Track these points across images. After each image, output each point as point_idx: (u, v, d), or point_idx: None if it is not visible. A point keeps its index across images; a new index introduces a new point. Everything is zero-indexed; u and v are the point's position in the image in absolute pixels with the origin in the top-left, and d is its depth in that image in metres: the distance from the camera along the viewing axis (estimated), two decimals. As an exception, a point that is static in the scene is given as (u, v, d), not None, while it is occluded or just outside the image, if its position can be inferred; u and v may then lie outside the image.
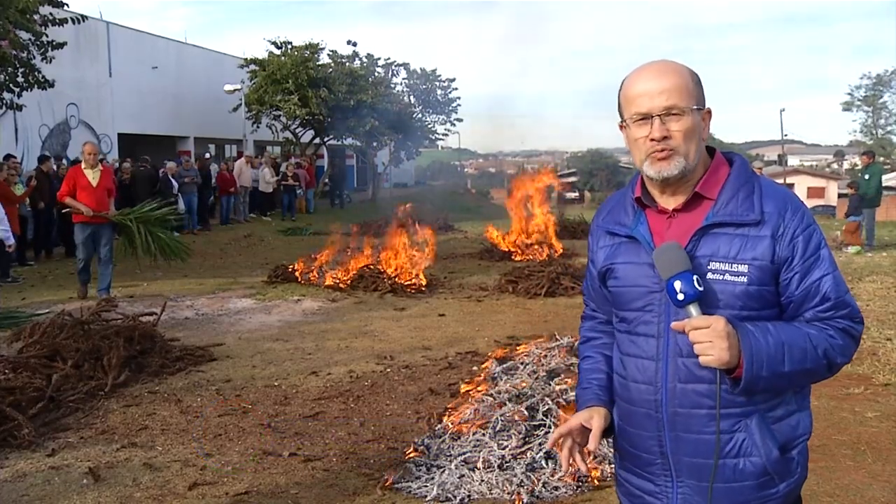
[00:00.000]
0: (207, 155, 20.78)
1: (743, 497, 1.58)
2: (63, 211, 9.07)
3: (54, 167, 13.82)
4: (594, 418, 1.70)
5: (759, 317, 1.56)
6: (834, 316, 1.57)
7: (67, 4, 12.90)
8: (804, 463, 1.63)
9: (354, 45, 26.35)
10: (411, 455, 4.05)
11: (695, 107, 1.59)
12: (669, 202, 1.65)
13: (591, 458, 1.76)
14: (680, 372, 1.59)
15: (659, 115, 1.57)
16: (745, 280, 1.55)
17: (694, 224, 1.60)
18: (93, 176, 8.83)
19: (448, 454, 3.97)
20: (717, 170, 1.64)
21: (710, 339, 1.49)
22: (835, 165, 62.46)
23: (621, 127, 1.68)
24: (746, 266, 1.55)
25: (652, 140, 1.58)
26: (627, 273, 1.67)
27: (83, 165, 8.92)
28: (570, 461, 1.71)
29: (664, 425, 1.62)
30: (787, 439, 1.60)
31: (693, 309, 1.52)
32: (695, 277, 1.52)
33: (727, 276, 1.55)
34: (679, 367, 1.59)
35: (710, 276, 1.56)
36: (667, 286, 1.54)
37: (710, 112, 1.65)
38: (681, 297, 1.51)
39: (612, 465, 3.73)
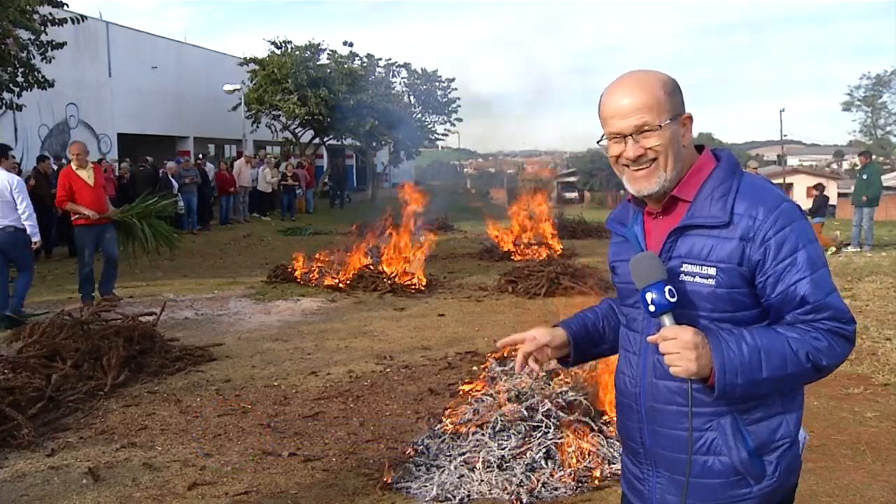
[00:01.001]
0: (201, 155, 20.73)
1: (713, 494, 1.60)
2: (73, 219, 8.66)
3: (53, 167, 13.81)
4: (542, 332, 1.82)
5: (733, 319, 1.56)
6: (816, 318, 1.53)
7: (67, 4, 12.90)
8: (788, 467, 1.61)
9: (351, 45, 26.36)
10: (411, 455, 4.05)
11: (668, 120, 1.58)
12: (654, 204, 1.69)
13: (540, 366, 1.87)
14: (656, 368, 1.63)
15: (631, 135, 1.59)
16: (713, 283, 1.55)
17: (671, 226, 1.63)
18: (87, 175, 8.50)
19: (448, 454, 3.97)
20: (699, 170, 1.65)
21: (678, 351, 1.50)
22: (834, 165, 62.47)
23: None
24: (714, 268, 1.55)
25: (627, 159, 1.61)
26: (624, 270, 1.71)
27: (74, 166, 8.52)
28: (524, 364, 1.83)
29: (643, 418, 1.67)
30: (764, 442, 1.58)
31: (666, 319, 1.53)
32: (667, 288, 1.53)
33: (697, 279, 1.57)
34: (655, 364, 1.62)
35: (682, 277, 1.58)
36: (640, 297, 1.56)
37: (690, 117, 1.64)
38: (652, 308, 1.53)
39: (612, 465, 3.75)
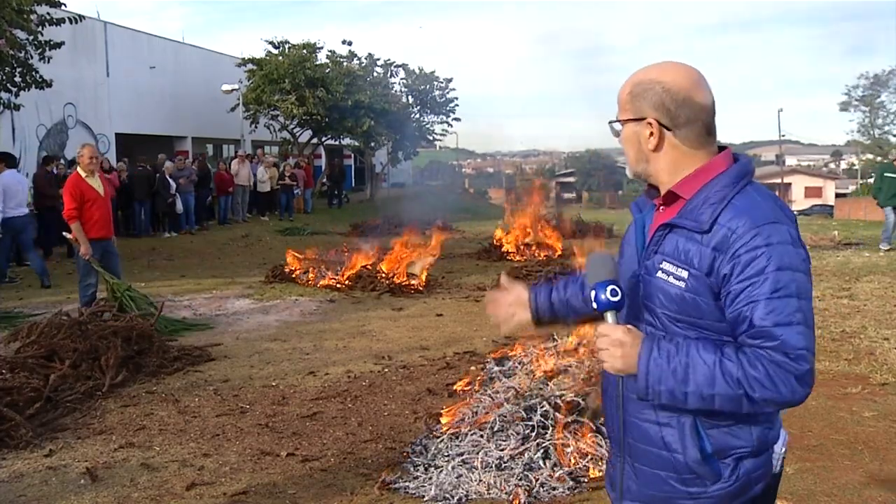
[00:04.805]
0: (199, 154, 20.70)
1: (669, 488, 1.63)
2: (68, 236, 7.34)
3: (53, 170, 13.77)
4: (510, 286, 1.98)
5: (696, 325, 1.56)
6: (761, 345, 1.47)
7: (65, 4, 12.89)
8: (748, 474, 1.59)
9: (350, 44, 26.35)
10: (409, 455, 4.05)
11: (629, 119, 1.68)
12: (656, 195, 1.75)
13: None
14: None
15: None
16: (683, 286, 1.56)
17: (667, 219, 1.67)
18: (97, 185, 7.29)
19: (446, 454, 3.97)
20: (705, 171, 1.61)
21: (607, 347, 1.57)
22: (832, 165, 62.58)
23: None
24: (686, 272, 1.56)
25: None
26: (625, 252, 1.78)
27: (83, 173, 7.24)
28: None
29: (620, 407, 1.70)
30: (722, 447, 1.58)
31: (609, 316, 1.60)
32: (609, 288, 1.58)
33: (671, 279, 1.59)
34: None
35: (659, 274, 1.61)
36: (590, 292, 1.62)
37: (655, 122, 1.61)
38: (594, 305, 1.60)
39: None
